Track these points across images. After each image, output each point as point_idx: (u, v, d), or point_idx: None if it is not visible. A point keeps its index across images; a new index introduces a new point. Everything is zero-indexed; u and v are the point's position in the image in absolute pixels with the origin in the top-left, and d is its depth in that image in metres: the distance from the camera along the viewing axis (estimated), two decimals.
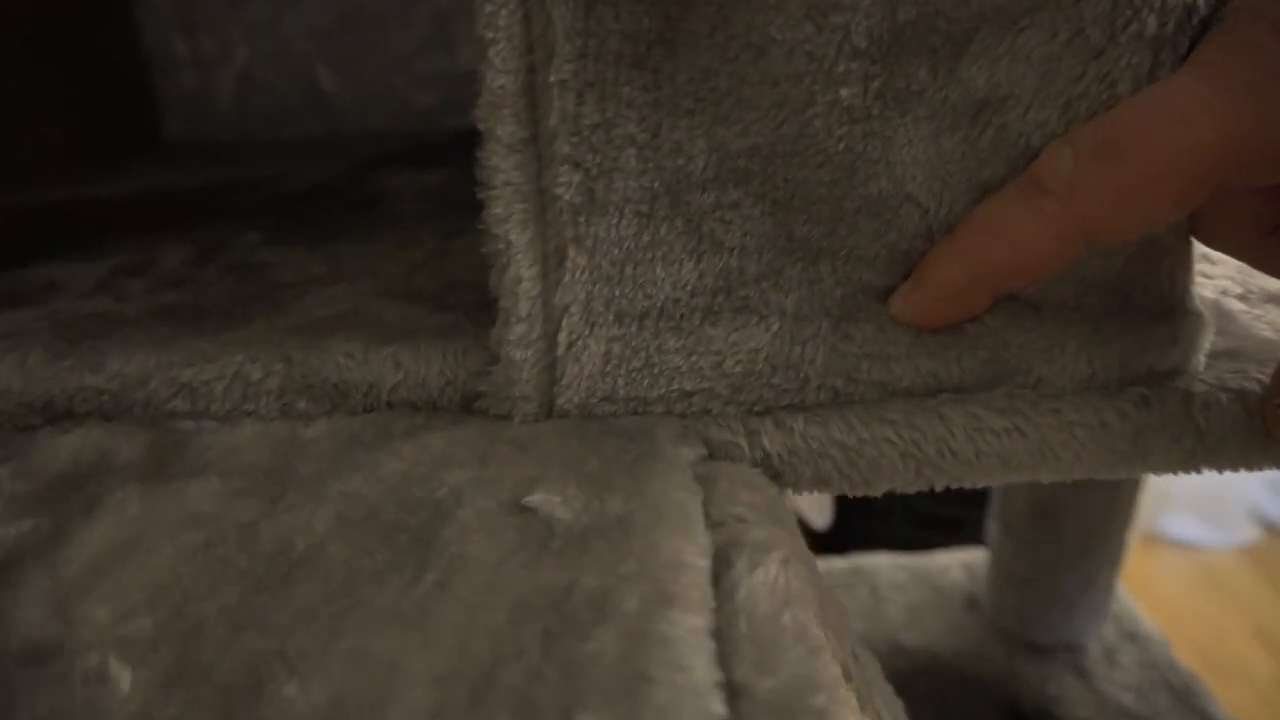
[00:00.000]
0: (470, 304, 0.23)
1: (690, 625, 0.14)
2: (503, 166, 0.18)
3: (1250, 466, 0.21)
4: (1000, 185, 0.19)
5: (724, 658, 0.14)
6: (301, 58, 0.46)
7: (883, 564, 0.59)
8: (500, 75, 0.18)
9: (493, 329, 0.20)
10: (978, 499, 0.72)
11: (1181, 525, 2.20)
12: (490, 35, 0.17)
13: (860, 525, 0.78)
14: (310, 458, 0.19)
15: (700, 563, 0.15)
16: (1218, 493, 2.13)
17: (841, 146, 0.18)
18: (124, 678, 0.13)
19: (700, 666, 0.13)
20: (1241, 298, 0.24)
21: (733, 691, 0.13)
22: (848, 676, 0.20)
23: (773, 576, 0.15)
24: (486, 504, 0.17)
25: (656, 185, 0.18)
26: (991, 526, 0.53)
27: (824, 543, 0.77)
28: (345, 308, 0.23)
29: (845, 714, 0.13)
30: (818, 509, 0.79)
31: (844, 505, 0.81)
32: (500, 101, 0.18)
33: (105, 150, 0.44)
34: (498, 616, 0.14)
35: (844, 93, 0.18)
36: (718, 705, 0.13)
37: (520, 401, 0.20)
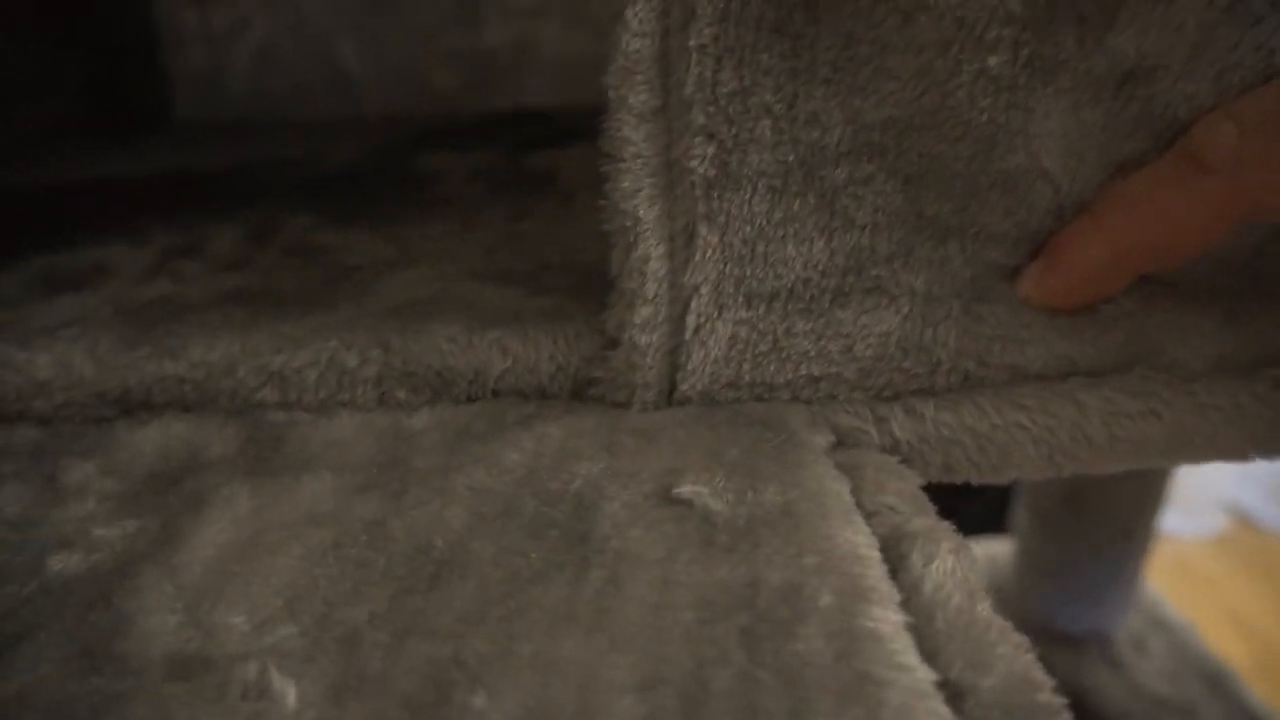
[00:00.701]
0: (566, 287, 0.22)
1: (893, 621, 0.13)
2: (633, 138, 0.17)
3: None
4: (1140, 161, 0.18)
5: (931, 655, 0.13)
6: (321, 35, 0.44)
7: None
8: (636, 38, 0.16)
9: (608, 311, 0.19)
10: (974, 492, 0.72)
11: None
12: None
13: None
14: (422, 450, 0.18)
15: (876, 555, 0.15)
16: (1190, 483, 2.17)
17: (984, 119, 0.17)
18: (289, 691, 0.12)
19: (919, 665, 0.12)
20: None
21: (952, 691, 0.12)
22: None
23: (951, 568, 0.15)
24: (631, 496, 0.16)
25: (791, 159, 0.17)
26: (1019, 516, 0.53)
27: None
28: (433, 291, 0.22)
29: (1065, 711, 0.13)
30: None
31: None
32: (634, 67, 0.17)
33: (113, 129, 0.42)
34: (685, 615, 0.13)
35: (992, 61, 0.17)
36: (943, 707, 0.12)
37: (641, 388, 0.19)
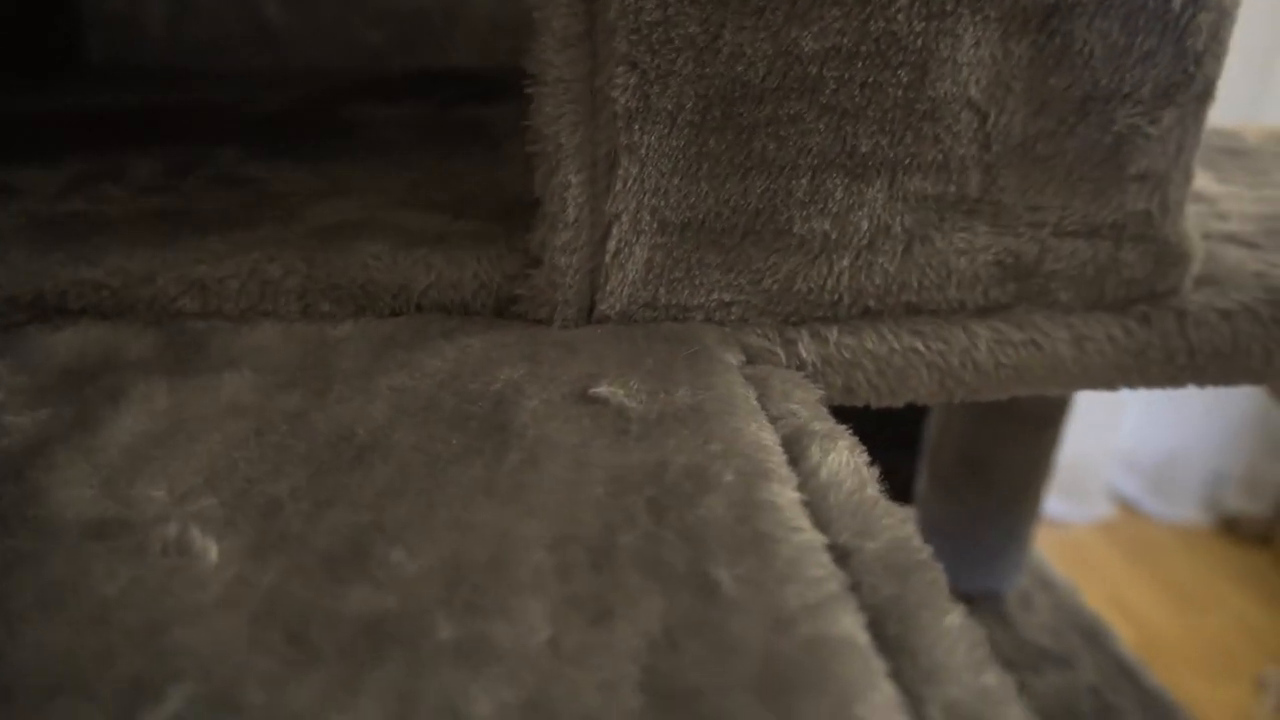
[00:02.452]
0: (490, 214, 0.22)
1: (789, 496, 0.14)
2: (556, 62, 0.18)
3: (1230, 382, 0.22)
4: (1062, 97, 0.19)
5: (823, 525, 0.14)
6: None
7: None
8: None
9: (531, 233, 0.20)
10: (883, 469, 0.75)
11: (1047, 502, 2.35)
12: None
13: None
14: (346, 355, 0.18)
15: (778, 445, 0.16)
16: (1078, 471, 2.29)
17: (919, 44, 0.18)
18: (210, 548, 0.12)
19: (810, 529, 0.13)
20: (1205, 236, 0.26)
21: (839, 552, 0.13)
22: None
23: (845, 460, 0.16)
24: (549, 395, 0.17)
25: (711, 93, 0.18)
26: (921, 487, 0.56)
27: None
28: (360, 216, 0.22)
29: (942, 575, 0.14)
30: None
31: None
32: None
33: (22, 69, 0.41)
34: (596, 490, 0.14)
35: None
36: (829, 561, 0.13)
37: (561, 306, 0.20)
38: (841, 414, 0.20)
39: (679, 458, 0.15)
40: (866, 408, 0.22)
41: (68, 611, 0.11)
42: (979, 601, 0.54)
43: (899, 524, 0.14)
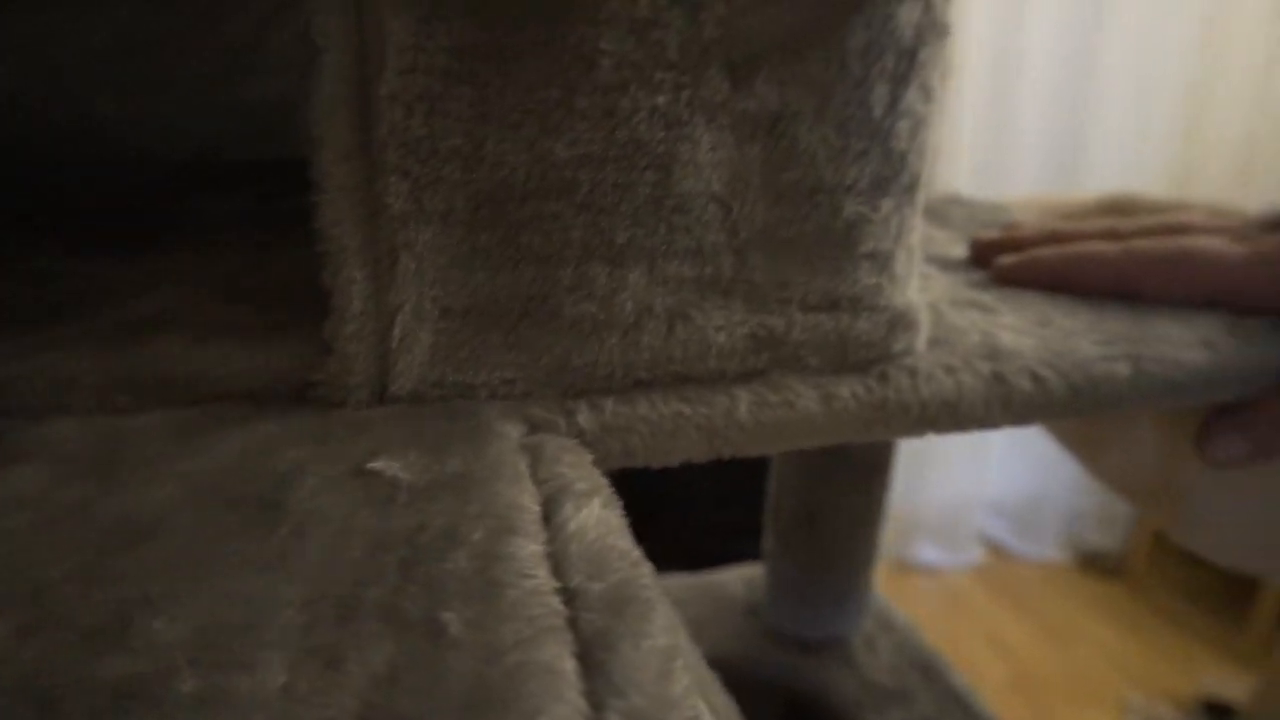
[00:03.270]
0: (297, 304, 0.24)
1: (531, 549, 0.16)
2: (335, 173, 0.20)
3: (961, 429, 0.26)
4: (794, 189, 0.23)
5: (560, 572, 0.16)
6: (72, 76, 0.44)
7: (671, 584, 0.63)
8: (333, 83, 0.19)
9: (327, 322, 0.21)
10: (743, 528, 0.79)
11: (924, 551, 2.45)
12: (324, 43, 0.19)
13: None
14: (139, 444, 0.19)
15: (534, 506, 0.18)
16: (950, 519, 2.40)
17: (661, 149, 0.21)
18: None
19: (543, 575, 0.15)
20: (951, 303, 0.30)
21: (569, 594, 0.15)
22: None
23: (597, 513, 0.18)
24: (330, 471, 0.18)
25: (479, 196, 0.21)
26: (766, 541, 0.59)
27: None
28: (168, 309, 0.23)
29: (668, 606, 0.16)
30: None
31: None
32: (333, 108, 0.20)
33: None
34: (355, 553, 0.16)
35: (660, 100, 0.21)
36: (558, 603, 0.15)
37: (354, 389, 0.21)
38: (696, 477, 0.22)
39: (437, 520, 0.16)
40: (721, 473, 0.24)
41: None
42: (826, 647, 0.57)
43: (630, 567, 0.16)
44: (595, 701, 0.13)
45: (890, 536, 2.37)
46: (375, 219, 0.20)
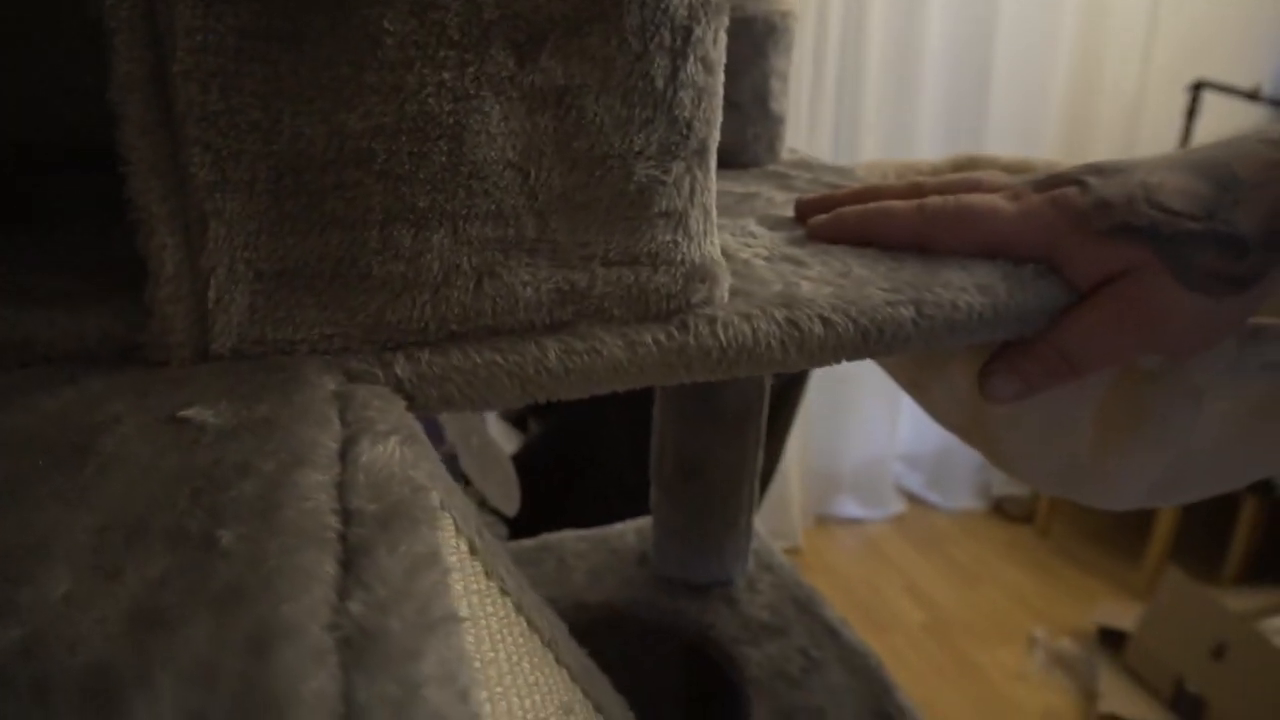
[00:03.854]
0: (127, 273, 0.25)
1: (317, 479, 0.18)
2: (138, 145, 0.21)
3: (760, 370, 0.29)
4: (587, 155, 0.25)
5: (344, 497, 0.18)
6: None
7: (567, 538, 0.66)
8: (126, 63, 0.21)
9: (146, 287, 0.23)
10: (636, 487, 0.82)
11: (845, 506, 2.53)
12: (114, 25, 0.21)
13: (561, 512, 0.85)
14: None
15: (331, 444, 0.20)
16: (868, 474, 2.49)
17: (452, 120, 0.23)
18: None
19: (323, 500, 0.17)
20: (766, 259, 0.33)
21: (346, 514, 0.18)
22: (473, 550, 0.25)
23: (391, 448, 0.20)
24: (144, 420, 0.20)
25: (281, 166, 0.22)
26: (653, 493, 0.62)
27: (516, 528, 0.83)
28: (6, 274, 0.24)
29: (440, 523, 0.18)
30: (507, 499, 0.84)
31: (538, 499, 0.87)
32: (130, 86, 0.21)
33: None
34: (153, 487, 0.17)
35: (445, 75, 0.23)
36: (334, 521, 0.17)
37: (176, 348, 0.23)
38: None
39: (234, 456, 0.18)
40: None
41: None
42: (711, 590, 0.60)
43: (411, 492, 0.19)
44: (343, 593, 0.15)
45: (812, 494, 2.45)
46: (182, 188, 0.22)
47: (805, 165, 0.49)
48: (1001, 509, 2.54)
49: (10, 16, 0.45)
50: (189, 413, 0.20)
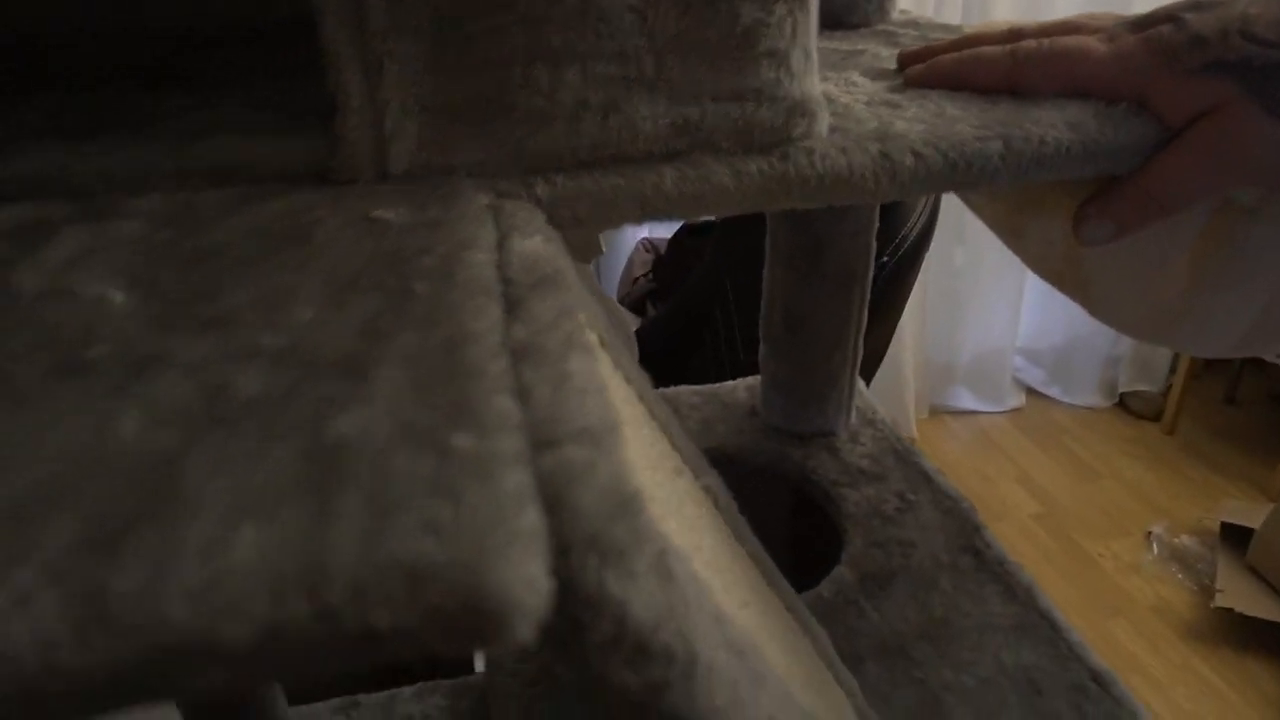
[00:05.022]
0: (316, 114, 0.30)
1: (481, 258, 0.23)
2: (335, 10, 0.26)
3: (854, 199, 0.32)
4: (699, 1, 0.28)
5: (502, 270, 0.23)
6: None
7: (682, 391, 0.71)
8: None
9: (335, 120, 0.28)
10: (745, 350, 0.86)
11: (960, 397, 2.50)
12: None
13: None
14: (207, 210, 0.26)
15: (490, 237, 0.25)
16: (985, 366, 2.44)
17: None
18: (119, 296, 0.21)
19: (488, 270, 0.22)
20: (866, 103, 0.35)
21: (506, 280, 0.22)
22: (603, 343, 0.29)
23: (537, 242, 0.25)
24: (343, 219, 0.25)
25: (441, 13, 0.27)
26: (761, 349, 0.66)
27: None
28: (223, 120, 0.30)
29: (581, 296, 0.23)
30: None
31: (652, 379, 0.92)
32: None
33: None
34: (358, 261, 0.23)
35: None
36: (496, 284, 0.22)
37: (360, 169, 0.28)
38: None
39: (415, 243, 0.24)
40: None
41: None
42: (814, 439, 0.64)
43: (553, 271, 0.23)
44: (507, 326, 0.20)
45: (927, 384, 2.43)
46: (363, 34, 0.26)
47: (913, 24, 0.50)
48: (1126, 405, 2.46)
49: None
50: (376, 213, 0.25)
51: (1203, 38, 0.31)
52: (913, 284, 1.22)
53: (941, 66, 0.36)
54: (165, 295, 0.21)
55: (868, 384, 1.30)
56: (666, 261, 1.93)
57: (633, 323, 1.79)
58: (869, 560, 0.53)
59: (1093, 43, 0.33)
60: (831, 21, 0.50)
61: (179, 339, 0.19)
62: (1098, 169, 0.34)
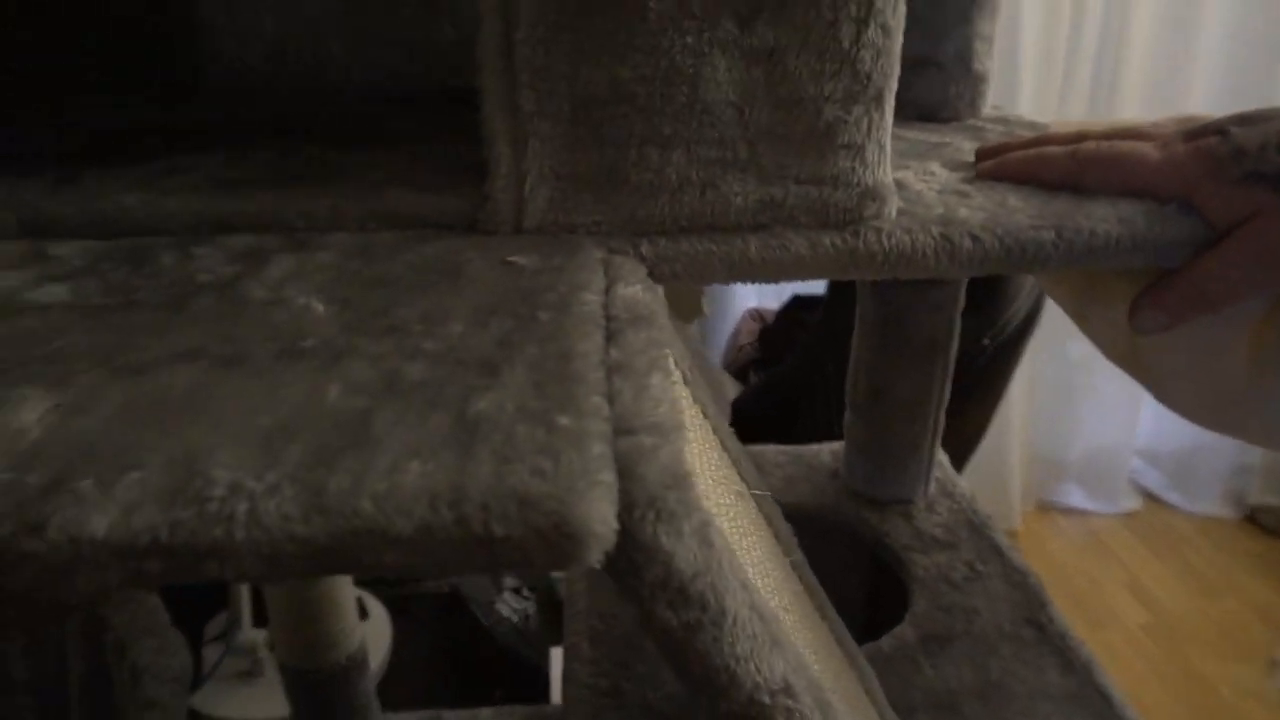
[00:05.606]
0: (469, 174, 0.37)
1: (592, 298, 0.29)
2: (490, 86, 0.33)
3: (918, 274, 0.36)
4: (788, 98, 0.34)
5: (607, 309, 0.29)
6: (317, 28, 0.60)
7: (769, 450, 0.75)
8: (489, 33, 0.32)
9: (486, 182, 0.35)
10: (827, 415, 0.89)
11: (1070, 494, 2.42)
12: (483, 9, 0.32)
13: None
14: (384, 245, 0.34)
15: (600, 283, 0.31)
16: (1099, 464, 2.36)
17: (690, 71, 0.33)
18: (320, 308, 0.28)
19: (596, 308, 0.28)
20: (938, 191, 0.40)
21: (609, 317, 0.28)
22: (685, 379, 0.35)
23: (637, 290, 0.31)
24: (486, 261, 0.32)
25: (576, 102, 0.33)
26: (846, 416, 0.69)
27: None
28: (393, 175, 0.38)
29: (670, 337, 0.28)
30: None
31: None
32: (490, 47, 0.33)
33: (157, 91, 0.58)
34: (497, 293, 0.29)
35: (688, 39, 0.33)
36: (602, 318, 0.28)
37: (502, 224, 0.35)
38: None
39: (542, 283, 0.30)
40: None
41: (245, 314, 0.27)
42: (891, 505, 0.68)
43: (649, 313, 0.29)
44: (606, 348, 0.26)
45: (1034, 477, 2.36)
46: (515, 116, 0.33)
47: (1003, 120, 0.54)
48: (1256, 520, 2.32)
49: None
50: (512, 258, 0.32)
51: (1244, 150, 0.35)
52: (1014, 370, 1.22)
53: (1009, 163, 0.40)
54: (353, 308, 0.28)
55: (963, 466, 1.30)
56: (774, 331, 1.97)
57: (733, 388, 1.84)
58: (932, 621, 0.56)
59: (1148, 149, 0.37)
60: (926, 114, 0.55)
61: (364, 339, 0.26)
62: (1146, 261, 0.38)
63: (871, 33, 0.33)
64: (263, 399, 0.22)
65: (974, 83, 0.55)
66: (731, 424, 0.40)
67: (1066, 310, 0.49)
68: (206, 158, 0.41)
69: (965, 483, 0.70)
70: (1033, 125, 0.53)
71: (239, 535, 0.18)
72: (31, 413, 0.21)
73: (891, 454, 0.66)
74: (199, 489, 0.18)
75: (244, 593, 0.93)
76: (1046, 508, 2.37)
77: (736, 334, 2.16)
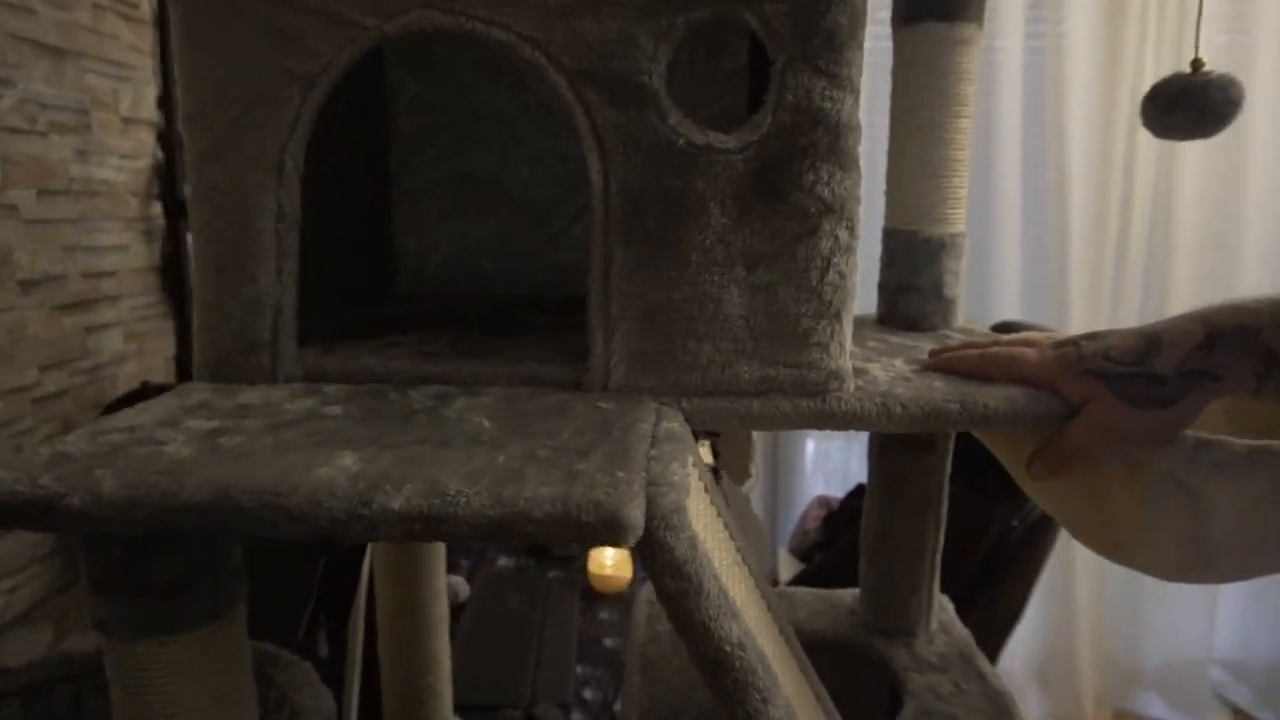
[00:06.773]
0: (576, 353, 0.58)
1: (644, 428, 0.48)
2: (594, 295, 0.55)
3: (862, 429, 0.55)
4: (778, 315, 0.54)
5: (654, 433, 0.48)
6: (474, 252, 0.85)
7: (799, 590, 0.90)
8: (595, 266, 0.54)
9: (588, 358, 0.56)
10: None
11: (1151, 704, 2.37)
12: (590, 250, 0.54)
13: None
14: (521, 395, 0.54)
15: (651, 419, 0.50)
16: (1181, 676, 2.31)
17: (716, 295, 0.54)
18: (487, 424, 0.48)
19: (646, 432, 0.48)
20: (889, 376, 0.59)
21: (654, 438, 0.47)
22: (702, 480, 0.54)
23: (675, 425, 0.50)
24: (582, 406, 0.52)
25: (645, 311, 0.54)
26: (860, 559, 0.85)
27: None
28: (527, 352, 0.59)
29: (695, 450, 0.47)
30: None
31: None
32: (594, 274, 0.54)
33: (361, 294, 0.83)
34: (589, 422, 0.49)
35: (715, 276, 0.54)
36: (649, 437, 0.47)
37: (594, 385, 0.55)
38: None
39: (615, 418, 0.50)
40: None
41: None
42: (897, 636, 0.82)
43: (683, 438, 0.48)
44: (649, 456, 0.45)
45: (1108, 684, 2.33)
46: (606, 317, 0.54)
47: (966, 331, 0.74)
48: None
49: (514, 229, 0.85)
50: (600, 405, 0.52)
51: (1084, 355, 0.53)
52: (1048, 552, 1.33)
53: (942, 360, 0.59)
54: (506, 426, 0.48)
55: (1000, 647, 1.38)
56: (837, 516, 2.10)
57: (795, 566, 1.96)
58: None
59: (1030, 353, 0.56)
60: (910, 325, 0.75)
61: (513, 440, 0.46)
62: (1025, 427, 0.55)
63: (831, 276, 0.54)
64: (464, 460, 0.42)
65: (945, 304, 0.74)
66: None
67: (1050, 510, 0.66)
68: (410, 337, 0.64)
69: (964, 628, 0.83)
70: (987, 334, 0.72)
71: (461, 513, 0.37)
72: (349, 460, 0.41)
73: (895, 594, 0.81)
74: (441, 490, 0.38)
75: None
76: (1124, 715, 2.32)
77: (804, 519, 2.29)
